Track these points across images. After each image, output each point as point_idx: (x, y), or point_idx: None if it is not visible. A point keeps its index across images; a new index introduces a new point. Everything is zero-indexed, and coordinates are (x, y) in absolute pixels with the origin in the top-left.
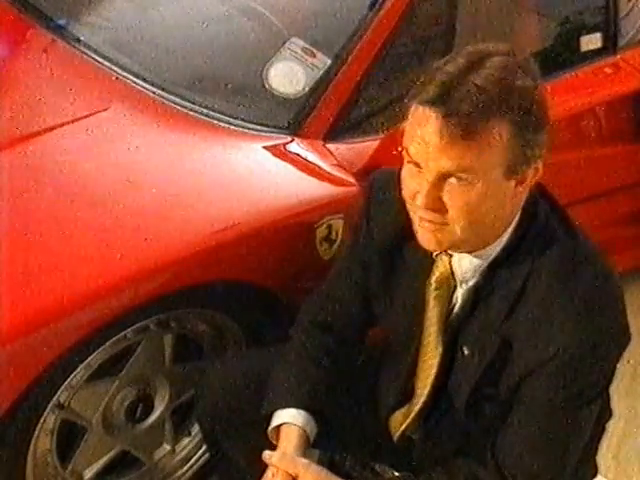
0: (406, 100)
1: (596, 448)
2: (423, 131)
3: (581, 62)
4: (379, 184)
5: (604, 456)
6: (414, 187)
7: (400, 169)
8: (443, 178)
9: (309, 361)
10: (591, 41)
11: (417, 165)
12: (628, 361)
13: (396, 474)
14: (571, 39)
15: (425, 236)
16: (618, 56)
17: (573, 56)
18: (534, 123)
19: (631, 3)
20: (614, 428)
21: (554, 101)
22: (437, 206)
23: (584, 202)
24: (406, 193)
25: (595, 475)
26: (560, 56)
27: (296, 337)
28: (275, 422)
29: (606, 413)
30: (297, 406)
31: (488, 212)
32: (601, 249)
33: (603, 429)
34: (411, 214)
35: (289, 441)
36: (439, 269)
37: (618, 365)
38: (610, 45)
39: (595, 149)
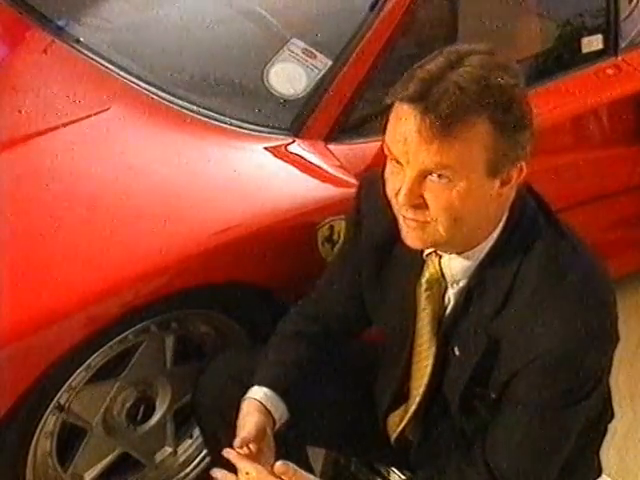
0: (388, 98)
1: (598, 448)
2: (403, 128)
3: (582, 64)
4: (368, 185)
5: (609, 455)
6: (396, 184)
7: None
8: (424, 175)
9: (287, 345)
10: (592, 42)
11: (399, 162)
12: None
13: (403, 477)
14: (572, 41)
15: (409, 234)
16: (619, 57)
17: (574, 58)
18: (514, 121)
19: (632, 5)
20: (619, 427)
21: (555, 103)
22: (418, 203)
23: (587, 204)
24: (389, 191)
25: (600, 475)
26: (561, 58)
27: (280, 325)
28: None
29: (607, 414)
30: (260, 384)
31: (471, 211)
32: (594, 249)
33: (605, 430)
34: (395, 212)
35: (248, 414)
36: (429, 270)
37: (619, 365)
38: (611, 46)
39: (597, 151)
